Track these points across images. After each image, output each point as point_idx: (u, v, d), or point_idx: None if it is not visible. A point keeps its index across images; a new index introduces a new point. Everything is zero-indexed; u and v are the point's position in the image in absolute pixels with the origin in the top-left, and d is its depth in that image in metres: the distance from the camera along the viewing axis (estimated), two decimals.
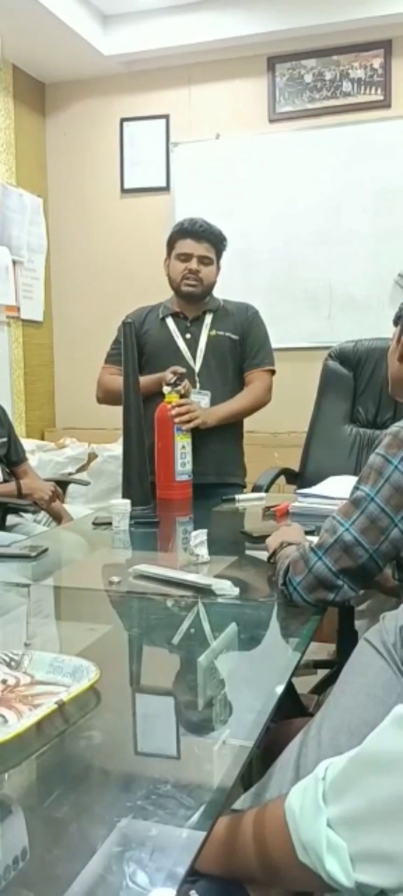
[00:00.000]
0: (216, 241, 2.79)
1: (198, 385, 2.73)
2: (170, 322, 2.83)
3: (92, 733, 1.00)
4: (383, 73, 4.40)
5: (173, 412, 2.54)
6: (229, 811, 1.06)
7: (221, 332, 2.80)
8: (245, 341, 2.83)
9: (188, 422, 2.56)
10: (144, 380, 2.55)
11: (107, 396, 2.88)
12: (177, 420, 2.54)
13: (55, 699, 1.01)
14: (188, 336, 2.80)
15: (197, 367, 2.76)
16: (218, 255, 2.82)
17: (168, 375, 2.59)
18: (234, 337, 2.81)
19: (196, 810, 0.82)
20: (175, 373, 2.60)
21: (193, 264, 2.75)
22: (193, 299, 2.79)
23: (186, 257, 2.76)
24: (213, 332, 2.79)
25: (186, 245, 2.76)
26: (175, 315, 2.83)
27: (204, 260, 2.76)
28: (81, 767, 0.95)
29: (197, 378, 2.74)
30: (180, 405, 2.56)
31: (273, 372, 2.87)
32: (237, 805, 1.11)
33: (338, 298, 4.48)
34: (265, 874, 0.94)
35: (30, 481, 3.03)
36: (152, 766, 0.98)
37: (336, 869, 0.80)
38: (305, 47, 4.48)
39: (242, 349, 2.83)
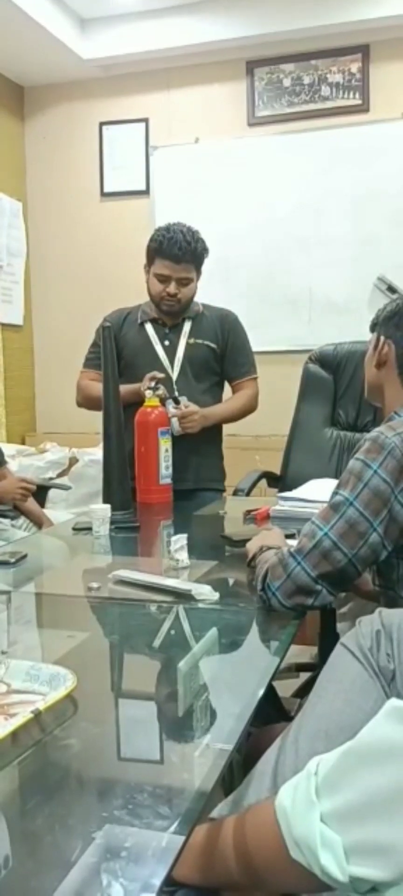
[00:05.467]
0: (196, 259, 2.72)
1: (176, 392, 2.73)
2: (148, 328, 2.81)
3: (68, 742, 0.99)
4: (361, 78, 4.42)
5: (178, 421, 2.61)
6: (207, 819, 1.05)
7: (200, 341, 2.79)
8: (227, 351, 2.83)
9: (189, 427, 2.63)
10: (122, 389, 2.54)
11: (87, 402, 2.87)
12: (182, 424, 2.60)
13: (31, 708, 1.00)
14: (166, 343, 2.79)
15: (174, 375, 2.75)
16: (199, 268, 2.77)
17: (146, 382, 2.59)
18: (212, 345, 2.80)
19: (173, 818, 0.81)
20: (153, 378, 2.60)
21: (172, 288, 2.69)
22: (172, 316, 2.78)
23: (164, 279, 2.70)
24: (192, 341, 2.78)
25: (165, 266, 2.68)
26: (154, 321, 2.82)
27: (183, 281, 2.70)
28: (57, 777, 0.94)
29: (174, 386, 2.73)
30: (183, 415, 2.62)
31: (257, 377, 2.90)
32: (214, 813, 1.11)
33: (318, 302, 4.50)
34: (248, 878, 0.93)
35: None
36: (129, 774, 0.97)
37: (331, 863, 0.79)
38: (283, 51, 4.49)
39: (224, 359, 2.83)
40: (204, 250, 2.74)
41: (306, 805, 0.83)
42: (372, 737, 0.81)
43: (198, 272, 2.78)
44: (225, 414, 2.83)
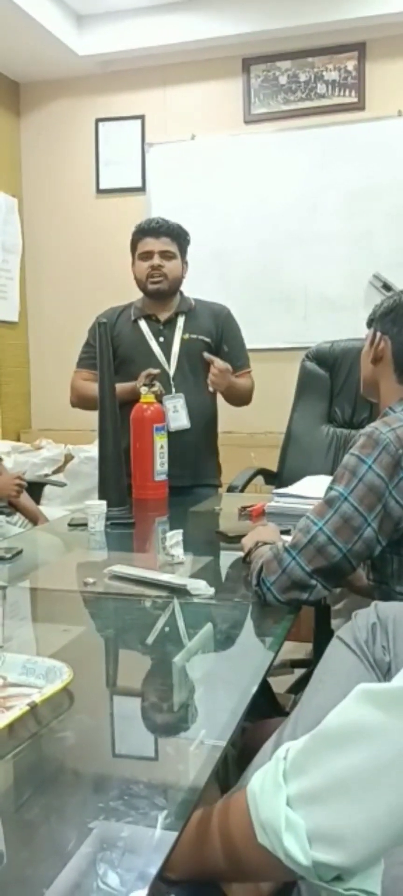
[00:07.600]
0: (176, 235, 2.80)
1: (173, 388, 2.73)
2: (142, 324, 2.82)
3: (64, 735, 0.99)
4: (357, 76, 4.42)
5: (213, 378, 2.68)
6: None
7: (194, 336, 2.80)
8: (222, 345, 2.84)
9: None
10: (117, 387, 2.54)
11: (81, 402, 2.88)
12: (214, 378, 2.68)
13: (27, 701, 1.01)
14: (161, 339, 2.79)
15: (171, 371, 2.76)
16: (182, 250, 2.83)
17: (141, 379, 2.60)
18: (207, 340, 2.81)
19: (168, 811, 0.82)
20: (149, 375, 2.61)
21: (155, 260, 2.77)
22: (161, 296, 2.79)
23: (147, 255, 2.78)
24: (186, 336, 2.79)
25: (146, 244, 2.79)
26: (147, 317, 2.83)
27: (166, 254, 2.78)
28: (53, 769, 0.94)
29: (172, 382, 2.74)
30: (218, 369, 2.68)
31: (251, 371, 2.94)
32: None
33: (314, 299, 4.50)
34: (229, 865, 0.93)
35: None
36: (125, 767, 0.97)
37: (295, 847, 0.79)
38: (280, 49, 4.49)
39: (219, 353, 2.83)
40: (184, 233, 2.84)
41: (273, 788, 0.83)
42: (339, 719, 0.81)
43: (182, 254, 2.83)
44: (239, 387, 2.85)
